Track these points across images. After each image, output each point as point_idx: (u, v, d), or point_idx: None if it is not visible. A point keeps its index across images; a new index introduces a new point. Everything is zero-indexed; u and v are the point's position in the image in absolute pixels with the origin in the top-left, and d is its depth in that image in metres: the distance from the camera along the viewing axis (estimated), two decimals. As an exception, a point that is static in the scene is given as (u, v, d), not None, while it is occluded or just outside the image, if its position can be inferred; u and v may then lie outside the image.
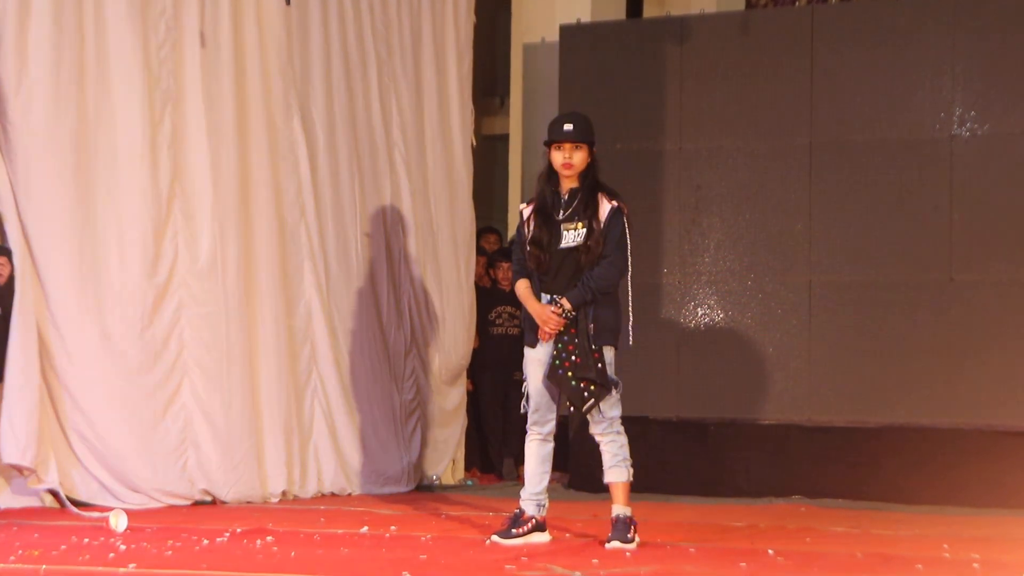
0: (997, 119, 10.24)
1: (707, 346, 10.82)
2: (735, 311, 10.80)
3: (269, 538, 7.64)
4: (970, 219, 10.24)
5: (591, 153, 7.66)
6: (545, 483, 7.69)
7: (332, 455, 10.50)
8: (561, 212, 7.61)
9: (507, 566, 6.63)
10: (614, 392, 7.54)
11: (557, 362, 7.47)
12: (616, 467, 7.62)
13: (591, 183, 7.62)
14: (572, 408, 7.51)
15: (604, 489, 10.66)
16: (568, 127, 7.64)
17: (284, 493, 10.09)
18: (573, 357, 7.45)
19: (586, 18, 11.94)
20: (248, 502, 9.80)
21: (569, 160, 7.59)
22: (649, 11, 14.06)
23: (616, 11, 12.83)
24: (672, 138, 11.01)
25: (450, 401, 11.59)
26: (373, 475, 10.71)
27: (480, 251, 12.19)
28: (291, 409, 10.21)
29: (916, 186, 10.40)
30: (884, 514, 9.51)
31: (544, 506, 7.68)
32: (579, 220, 7.56)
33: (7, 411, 8.74)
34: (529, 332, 7.67)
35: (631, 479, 7.65)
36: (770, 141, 10.78)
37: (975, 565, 6.82)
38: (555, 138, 7.65)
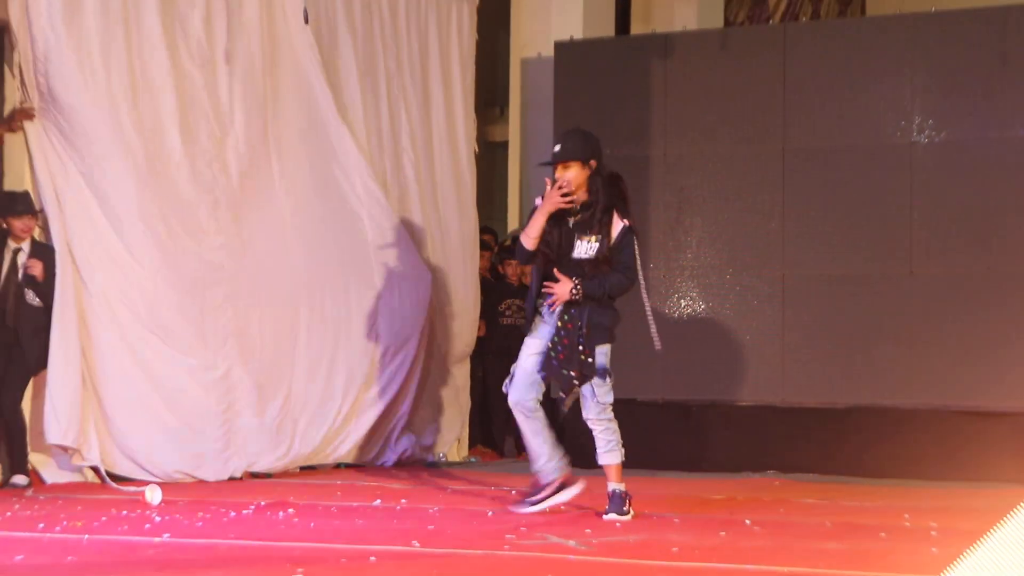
0: (952, 127, 10.24)
1: (690, 334, 10.83)
2: (715, 302, 10.80)
3: (290, 510, 7.66)
4: (928, 218, 10.25)
5: (588, 167, 7.44)
6: (547, 451, 7.62)
7: (356, 430, 10.53)
8: (573, 219, 7.46)
9: (508, 535, 6.65)
10: (607, 380, 7.51)
11: (552, 354, 7.46)
12: (609, 451, 7.63)
13: (605, 199, 7.42)
14: (563, 393, 7.54)
15: (596, 465, 10.70)
16: (556, 148, 7.49)
17: (307, 466, 10.13)
18: (566, 352, 7.43)
19: (579, 35, 11.95)
20: (272, 476, 9.82)
21: (560, 179, 7.43)
22: (636, 28, 14.06)
23: (606, 29, 12.84)
24: (657, 144, 11.01)
25: (456, 384, 11.61)
26: (394, 450, 10.77)
27: (484, 246, 12.21)
28: (323, 390, 10.25)
29: (879, 188, 10.40)
30: (851, 487, 9.51)
31: (560, 467, 7.63)
32: (592, 233, 7.43)
33: (51, 396, 8.78)
34: (529, 323, 7.66)
35: (623, 459, 7.64)
36: (747, 147, 10.78)
37: (933, 533, 6.84)
38: (547, 161, 7.54)
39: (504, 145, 13.17)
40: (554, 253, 7.48)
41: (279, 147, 10.11)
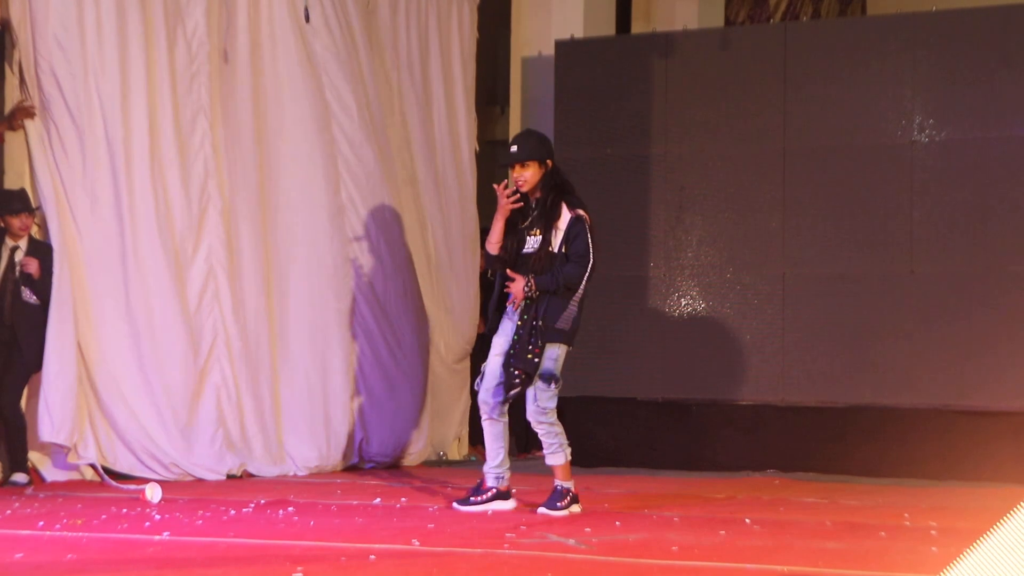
0: (953, 126, 10.25)
1: (690, 333, 10.84)
2: (715, 301, 10.81)
3: (291, 508, 7.66)
4: (928, 217, 10.26)
5: (544, 166, 7.67)
6: (501, 457, 7.75)
7: (360, 430, 10.53)
8: (527, 220, 7.68)
9: (507, 534, 6.65)
10: (552, 386, 7.58)
11: (511, 351, 7.61)
12: (554, 453, 7.69)
13: (553, 195, 7.64)
14: (506, 390, 7.64)
15: (597, 464, 10.74)
16: (513, 148, 7.73)
17: (310, 467, 10.12)
18: (517, 347, 7.56)
19: (579, 34, 11.95)
20: (274, 475, 9.82)
21: (518, 178, 7.67)
22: (637, 28, 14.06)
23: (607, 28, 12.84)
24: (658, 143, 11.02)
25: (457, 382, 11.61)
26: (392, 449, 10.76)
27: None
28: (321, 389, 10.24)
29: (880, 187, 10.41)
30: (850, 486, 9.51)
31: (503, 477, 7.76)
32: (538, 228, 7.64)
33: (44, 394, 8.78)
34: (493, 324, 7.80)
35: (569, 458, 7.70)
36: (747, 146, 10.79)
37: (933, 532, 6.84)
38: (505, 160, 7.79)
39: (505, 144, 13.14)
40: (509, 255, 7.69)
41: (277, 148, 10.10)
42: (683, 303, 10.90)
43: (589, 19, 12.51)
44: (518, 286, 7.59)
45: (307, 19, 10.24)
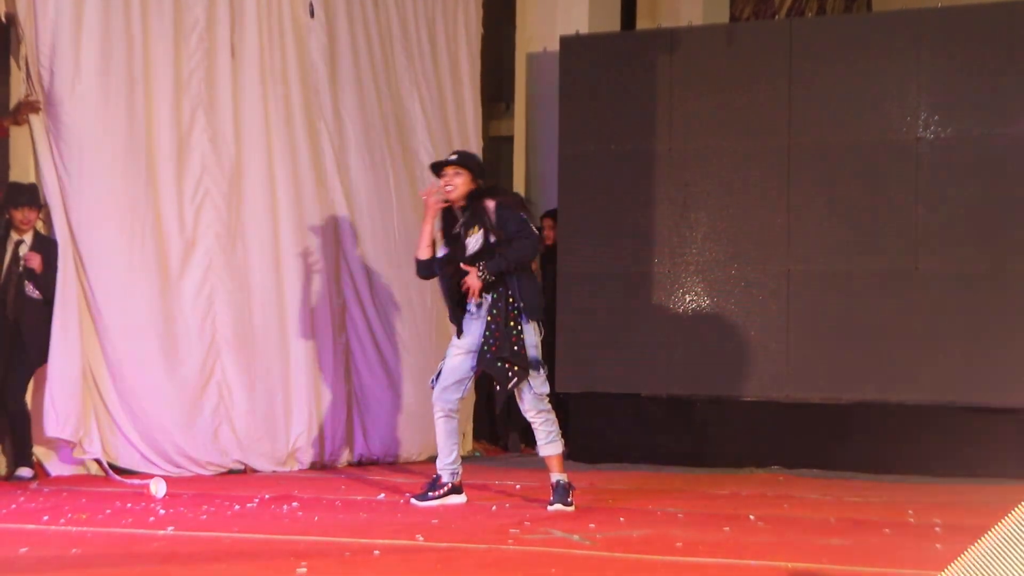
0: (958, 123, 10.24)
1: (694, 329, 10.83)
2: (720, 297, 10.80)
3: (295, 504, 7.67)
4: (934, 214, 10.25)
5: (475, 182, 7.75)
6: (455, 454, 7.82)
7: (361, 427, 10.53)
8: (458, 225, 7.73)
9: (512, 530, 6.65)
10: (541, 371, 7.65)
11: (485, 347, 7.62)
12: (551, 443, 7.71)
13: (478, 195, 7.72)
14: (498, 387, 7.63)
15: (601, 460, 10.74)
16: (452, 156, 7.85)
17: (312, 463, 10.12)
18: (493, 340, 7.57)
19: (584, 30, 11.95)
20: (276, 471, 9.83)
21: (449, 182, 7.74)
22: (642, 24, 14.06)
23: (612, 24, 12.83)
24: (662, 140, 11.01)
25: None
26: (394, 446, 10.75)
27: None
28: (322, 385, 10.24)
29: (885, 184, 10.40)
30: (855, 482, 9.51)
31: (457, 473, 7.84)
32: (474, 225, 7.67)
33: (50, 389, 8.80)
34: (455, 323, 7.81)
35: (564, 449, 7.78)
36: (752, 142, 10.77)
37: (937, 529, 6.85)
38: (437, 167, 7.86)
39: (509, 140, 13.17)
40: (455, 259, 7.71)
41: (280, 143, 10.09)
42: (688, 299, 10.89)
43: (594, 15, 12.51)
44: (472, 276, 7.62)
45: (311, 14, 10.24)
